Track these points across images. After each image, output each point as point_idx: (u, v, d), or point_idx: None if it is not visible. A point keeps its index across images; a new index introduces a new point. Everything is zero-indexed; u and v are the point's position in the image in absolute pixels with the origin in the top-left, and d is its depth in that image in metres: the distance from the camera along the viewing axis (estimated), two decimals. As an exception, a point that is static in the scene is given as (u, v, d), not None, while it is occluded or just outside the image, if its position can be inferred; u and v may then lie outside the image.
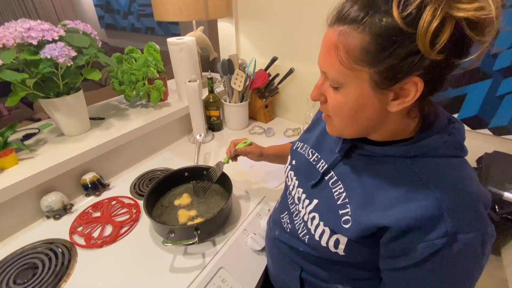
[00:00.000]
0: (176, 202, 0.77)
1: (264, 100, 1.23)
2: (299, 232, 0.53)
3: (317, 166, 0.54)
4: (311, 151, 0.58)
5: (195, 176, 0.85)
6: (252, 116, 1.31)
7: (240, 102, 1.18)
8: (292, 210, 0.58)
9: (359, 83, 0.37)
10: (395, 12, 0.31)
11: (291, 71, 1.14)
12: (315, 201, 0.50)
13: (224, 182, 0.80)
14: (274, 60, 1.16)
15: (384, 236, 0.40)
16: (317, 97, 0.44)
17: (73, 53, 0.71)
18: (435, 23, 0.29)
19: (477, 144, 0.96)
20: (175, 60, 1.08)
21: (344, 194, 0.46)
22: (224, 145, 1.12)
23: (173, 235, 0.63)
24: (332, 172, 0.50)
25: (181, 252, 0.65)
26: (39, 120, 0.92)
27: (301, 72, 1.14)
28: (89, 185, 0.82)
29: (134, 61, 1.03)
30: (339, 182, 0.48)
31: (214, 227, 0.69)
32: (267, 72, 1.18)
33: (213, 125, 1.20)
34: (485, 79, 0.89)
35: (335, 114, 0.43)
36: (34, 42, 0.67)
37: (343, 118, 0.42)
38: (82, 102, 0.87)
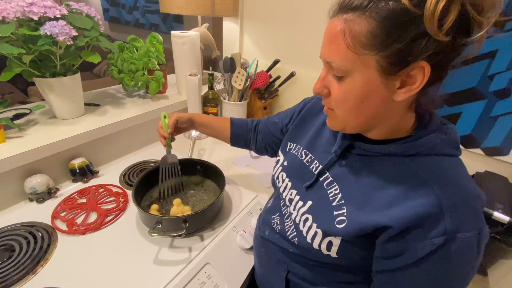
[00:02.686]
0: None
1: (263, 101, 1.22)
2: (288, 234, 0.52)
3: (311, 167, 0.53)
4: (304, 152, 0.57)
5: (187, 170, 0.84)
6: (249, 117, 1.30)
7: (239, 101, 1.17)
8: (283, 212, 0.57)
9: (365, 70, 0.36)
10: None
11: (292, 75, 1.14)
12: (309, 203, 0.49)
13: (217, 178, 0.79)
14: (276, 62, 1.16)
15: (382, 235, 0.39)
16: (320, 90, 0.43)
17: (74, 33, 0.70)
18: (441, 3, 0.30)
19: (469, 163, 0.97)
20: (177, 53, 1.07)
21: (340, 195, 0.45)
22: (219, 143, 1.10)
23: (160, 226, 0.61)
24: (327, 173, 0.49)
25: (167, 244, 0.63)
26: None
27: (302, 76, 1.15)
28: (77, 171, 0.79)
29: (135, 50, 1.02)
30: (335, 183, 0.47)
31: (203, 221, 0.67)
32: (268, 73, 1.18)
33: (210, 122, 1.19)
34: (480, 100, 0.91)
35: (339, 106, 0.42)
36: (35, 18, 0.66)
37: (347, 109, 0.41)
38: (79, 85, 0.85)
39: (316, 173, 0.51)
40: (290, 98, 1.25)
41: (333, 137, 0.51)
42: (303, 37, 1.10)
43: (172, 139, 0.70)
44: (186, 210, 0.69)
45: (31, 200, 0.73)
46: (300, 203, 0.51)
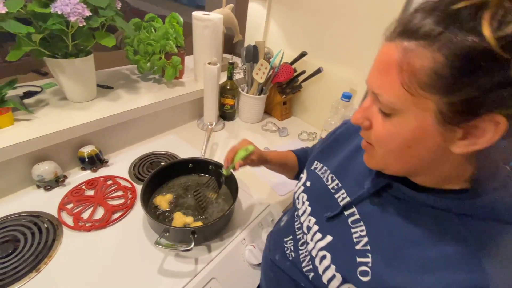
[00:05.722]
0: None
1: (284, 96, 1.14)
2: (303, 265, 0.48)
3: (336, 196, 0.47)
4: (331, 177, 0.51)
5: (200, 169, 0.80)
6: (267, 111, 1.23)
7: (259, 94, 1.10)
8: (298, 237, 0.52)
9: (420, 113, 0.30)
10: (486, 31, 0.24)
11: (319, 71, 1.05)
12: (329, 238, 0.44)
13: (230, 183, 0.74)
14: (303, 55, 1.06)
15: None
16: (360, 121, 0.37)
17: (88, 13, 0.63)
18: None
19: None
20: (197, 37, 0.99)
21: (365, 239, 0.40)
22: (234, 137, 1.05)
23: (167, 234, 0.58)
24: (355, 209, 0.43)
25: (173, 252, 0.60)
26: (46, 74, 0.82)
27: (329, 74, 1.05)
28: (86, 159, 0.76)
29: (153, 31, 0.95)
30: (361, 223, 0.42)
31: (212, 232, 0.64)
32: (293, 66, 1.09)
33: (226, 114, 1.13)
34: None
35: (380, 145, 0.36)
36: (46, -7, 0.59)
37: (390, 151, 0.35)
38: (91, 68, 0.80)
39: (341, 204, 0.45)
40: (312, 95, 1.16)
41: (368, 168, 0.44)
42: (337, 31, 0.99)
43: (235, 169, 0.60)
44: (189, 221, 0.65)
45: (38, 187, 0.71)
46: (319, 235, 0.46)
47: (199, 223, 0.65)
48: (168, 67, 0.95)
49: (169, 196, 0.71)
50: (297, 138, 1.10)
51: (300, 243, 0.51)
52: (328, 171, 0.52)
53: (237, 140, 1.03)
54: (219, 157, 0.92)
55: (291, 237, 0.54)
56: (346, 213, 0.44)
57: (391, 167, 0.37)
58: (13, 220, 0.62)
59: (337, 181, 0.49)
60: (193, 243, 0.56)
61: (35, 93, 0.82)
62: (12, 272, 0.53)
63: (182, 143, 0.97)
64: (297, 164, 0.70)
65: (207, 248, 0.62)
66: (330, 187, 0.50)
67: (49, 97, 0.82)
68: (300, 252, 0.50)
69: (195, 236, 0.58)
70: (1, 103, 0.65)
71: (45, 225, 0.62)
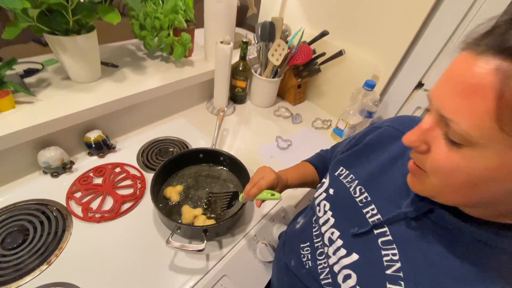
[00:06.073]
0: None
1: (300, 79, 1.07)
2: (321, 277, 0.46)
3: (365, 211, 0.43)
4: (360, 189, 0.46)
5: (210, 159, 0.76)
6: (280, 94, 1.16)
7: (273, 77, 1.02)
8: (316, 245, 0.49)
9: (506, 153, 0.25)
10: None
11: (340, 53, 0.96)
12: (355, 257, 0.41)
13: (241, 175, 0.71)
14: (324, 34, 0.97)
15: None
16: (416, 144, 0.31)
17: (89, -14, 0.55)
18: None
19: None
20: (209, 11, 0.90)
21: (398, 264, 0.37)
22: (245, 122, 1.00)
23: (179, 231, 0.57)
24: (386, 229, 0.39)
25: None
26: (47, 45, 0.75)
27: (351, 57, 0.97)
28: (93, 145, 0.73)
29: (161, 3, 0.86)
30: (394, 246, 0.38)
31: (223, 228, 0.63)
32: (311, 47, 1.00)
33: (236, 97, 1.07)
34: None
35: (438, 176, 0.30)
36: (40, -39, 0.51)
37: (449, 185, 0.30)
38: (95, 45, 0.73)
39: (371, 221, 0.42)
40: (330, 79, 1.08)
41: (405, 186, 0.38)
42: (364, 9, 0.88)
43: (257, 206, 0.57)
44: (198, 213, 0.63)
45: (45, 172, 0.69)
46: (343, 251, 0.43)
47: (208, 217, 0.63)
48: (177, 45, 0.87)
49: (179, 187, 0.69)
50: (311, 125, 1.05)
51: (318, 252, 0.48)
52: (356, 182, 0.47)
53: (247, 126, 0.99)
54: (229, 145, 0.88)
55: (308, 243, 0.51)
56: (376, 232, 0.41)
57: (444, 198, 0.32)
58: (21, 208, 0.61)
59: (366, 194, 0.45)
60: (205, 241, 0.54)
61: (37, 71, 0.77)
62: (23, 264, 0.52)
63: (191, 128, 0.92)
64: (317, 176, 0.66)
65: (218, 244, 0.61)
66: (357, 199, 0.45)
67: (51, 76, 0.77)
68: (318, 262, 0.47)
69: (207, 233, 0.57)
70: (0, 86, 0.61)
71: (54, 214, 0.61)
